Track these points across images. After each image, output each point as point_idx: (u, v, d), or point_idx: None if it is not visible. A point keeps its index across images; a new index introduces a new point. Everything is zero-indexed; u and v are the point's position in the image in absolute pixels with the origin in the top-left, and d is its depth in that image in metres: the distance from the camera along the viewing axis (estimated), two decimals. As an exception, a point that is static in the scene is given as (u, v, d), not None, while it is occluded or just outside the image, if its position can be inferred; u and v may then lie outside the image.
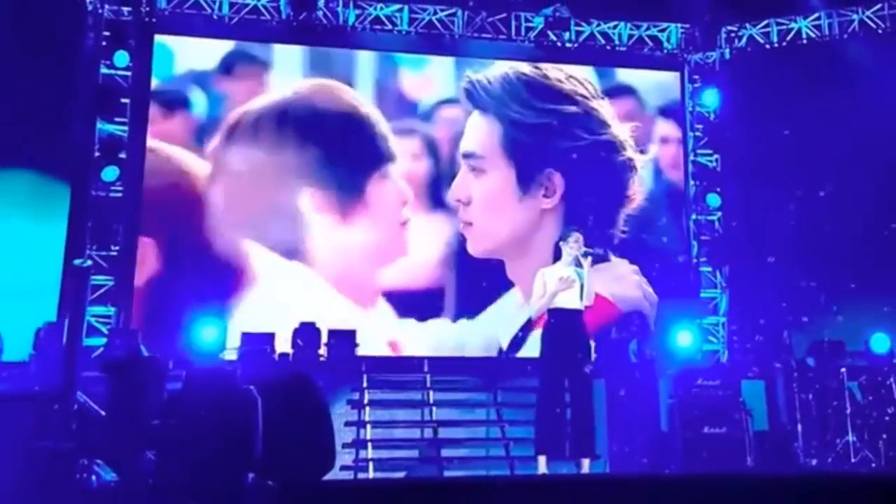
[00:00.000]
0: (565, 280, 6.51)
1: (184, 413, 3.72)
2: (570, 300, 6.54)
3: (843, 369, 8.42)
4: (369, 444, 8.91)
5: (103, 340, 10.50)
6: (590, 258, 6.63)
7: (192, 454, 3.54)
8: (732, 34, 12.51)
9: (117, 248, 10.81)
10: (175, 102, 11.30)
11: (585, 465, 6.24)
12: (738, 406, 7.84)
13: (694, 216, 12.24)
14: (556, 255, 6.83)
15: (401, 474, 8.89)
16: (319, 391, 4.26)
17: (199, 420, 3.64)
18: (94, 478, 3.74)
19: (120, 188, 10.86)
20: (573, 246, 6.67)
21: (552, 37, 12.22)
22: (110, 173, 10.79)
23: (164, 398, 3.95)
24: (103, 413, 4.20)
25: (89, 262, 4.02)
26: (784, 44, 12.28)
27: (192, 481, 3.45)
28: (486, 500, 4.25)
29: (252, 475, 3.63)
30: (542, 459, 6.30)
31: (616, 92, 12.30)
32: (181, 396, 3.86)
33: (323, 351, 9.95)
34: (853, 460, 7.91)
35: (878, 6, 11.86)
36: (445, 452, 9.16)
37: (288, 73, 11.62)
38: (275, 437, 3.75)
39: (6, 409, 3.82)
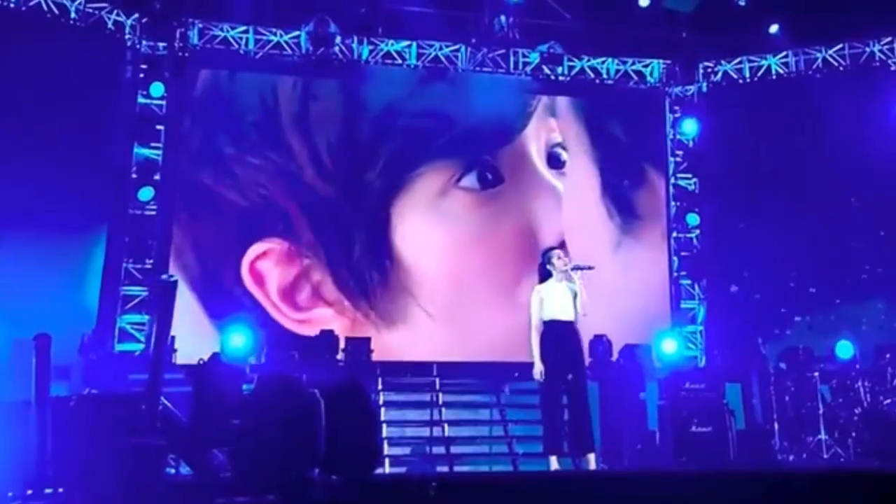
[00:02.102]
0: (559, 292, 6.56)
1: (257, 414, 3.82)
2: (564, 312, 6.59)
3: (816, 373, 8.53)
4: (385, 442, 8.97)
5: (139, 346, 10.64)
6: (579, 272, 6.61)
7: (265, 451, 3.64)
8: (709, 70, 12.69)
9: (151, 261, 10.93)
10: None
11: (591, 462, 6.31)
12: (722, 407, 7.93)
13: (675, 234, 12.39)
14: (542, 274, 6.79)
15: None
16: (370, 395, 4.36)
17: (270, 420, 3.74)
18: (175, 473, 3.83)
19: (154, 207, 10.97)
20: (558, 263, 6.65)
21: (546, 71, 12.38)
22: (146, 193, 10.90)
23: (240, 399, 4.02)
24: (177, 413, 4.28)
25: (175, 278, 4.06)
26: (755, 79, 12.46)
27: (265, 476, 3.56)
28: (512, 495, 4.35)
29: (317, 470, 3.73)
30: (552, 458, 6.37)
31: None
32: (254, 399, 3.95)
33: (340, 356, 10.01)
34: (825, 456, 8.00)
35: (840, 46, 12.07)
36: (454, 449, 9.24)
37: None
38: (335, 436, 3.85)
39: (99, 408, 3.90)
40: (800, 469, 7.62)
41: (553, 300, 6.50)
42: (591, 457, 6.32)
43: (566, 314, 6.49)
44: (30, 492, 3.72)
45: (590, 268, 6.54)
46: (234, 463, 3.69)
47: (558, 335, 6.45)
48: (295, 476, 3.56)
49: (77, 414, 3.84)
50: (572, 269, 6.53)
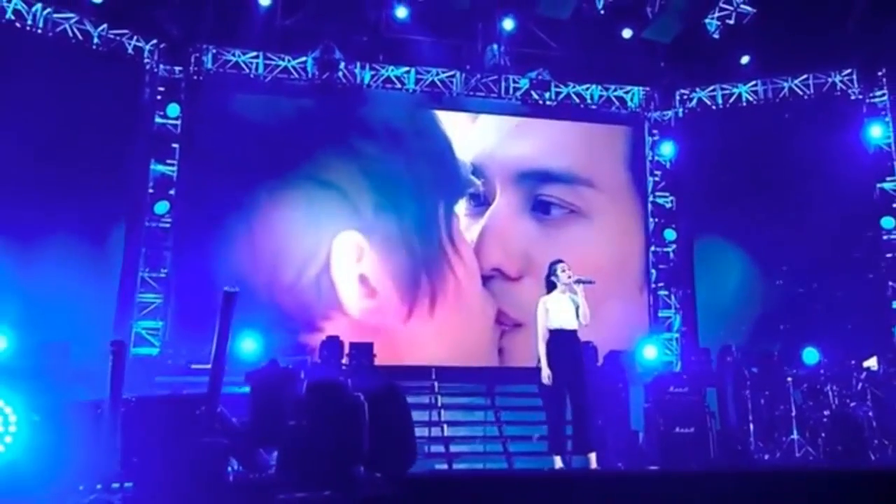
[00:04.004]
0: (563, 303, 6.69)
1: (308, 416, 3.91)
2: (568, 321, 6.69)
3: (790, 378, 8.69)
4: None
5: (154, 350, 10.67)
6: (581, 284, 6.73)
7: (317, 450, 3.73)
8: (685, 96, 12.90)
9: (166, 270, 10.98)
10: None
11: (593, 461, 6.41)
12: (703, 409, 8.07)
13: (653, 248, 12.58)
14: (547, 286, 6.89)
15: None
16: (406, 399, 4.47)
17: (320, 422, 3.83)
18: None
19: (169, 220, 11.02)
20: (562, 276, 6.76)
21: (535, 96, 12.56)
22: (161, 207, 10.96)
23: (294, 402, 4.11)
24: (228, 414, 4.34)
25: (237, 289, 4.14)
26: (728, 105, 12.69)
27: (316, 473, 3.64)
28: (513, 491, 4.45)
29: (362, 468, 3.82)
30: (556, 458, 6.49)
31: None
32: (305, 402, 4.04)
33: (345, 360, 10.06)
34: (797, 454, 8.12)
35: (804, 76, 12.35)
36: (452, 448, 9.32)
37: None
38: (376, 436, 3.95)
39: (162, 409, 3.97)
40: (776, 467, 7.77)
41: (557, 310, 6.60)
42: (593, 456, 6.39)
43: (570, 323, 6.58)
44: (99, 486, 3.80)
45: (591, 282, 6.66)
46: (287, 460, 3.78)
47: (562, 343, 6.53)
48: (343, 473, 3.67)
49: (141, 414, 3.91)
50: (575, 282, 6.63)
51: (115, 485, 3.77)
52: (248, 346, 9.69)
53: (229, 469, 3.86)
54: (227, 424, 4.04)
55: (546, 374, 6.44)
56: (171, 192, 11.06)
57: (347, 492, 3.52)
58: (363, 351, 10.11)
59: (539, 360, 6.52)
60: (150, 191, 10.99)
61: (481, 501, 3.97)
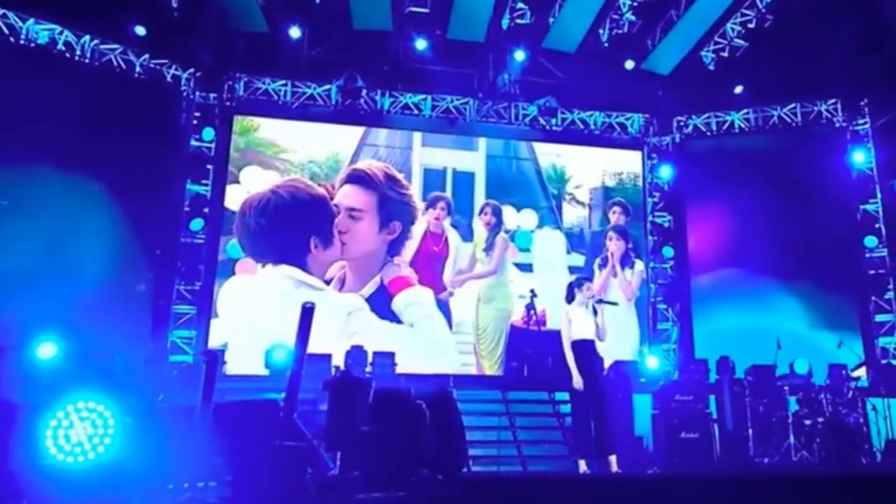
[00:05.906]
0: (583, 315, 6.92)
1: (377, 421, 4.09)
2: (586, 332, 6.91)
3: (786, 387, 8.86)
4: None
5: (188, 358, 10.83)
6: (603, 305, 6.98)
7: (387, 453, 3.91)
8: (682, 123, 13.18)
9: (200, 283, 11.14)
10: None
11: (613, 463, 6.59)
12: (707, 416, 8.26)
13: (652, 264, 12.80)
14: (569, 295, 7.13)
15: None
16: (456, 404, 4.66)
17: (388, 427, 4.01)
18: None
19: (203, 236, 11.21)
20: (585, 293, 7.01)
21: (542, 122, 12.83)
22: (196, 224, 11.16)
23: (367, 410, 4.28)
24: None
25: (314, 303, 4.32)
26: (721, 131, 12.97)
27: (387, 475, 3.82)
28: (533, 491, 4.62)
29: (425, 470, 4.00)
30: (581, 462, 6.68)
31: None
32: (374, 409, 4.23)
33: (369, 369, 10.22)
34: (794, 458, 8.29)
35: (793, 105, 12.63)
36: (470, 451, 9.41)
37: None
38: (436, 440, 4.13)
39: (249, 414, 4.14)
40: (776, 470, 7.95)
41: (578, 322, 6.86)
42: (613, 458, 6.59)
43: (588, 334, 6.85)
44: (186, 484, 3.97)
45: (613, 304, 6.92)
46: (357, 463, 3.95)
47: (583, 353, 6.77)
48: (408, 475, 3.85)
49: (227, 418, 4.08)
50: (596, 303, 6.90)
51: (201, 484, 3.93)
52: (279, 355, 9.83)
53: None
54: (298, 430, 4.22)
55: (577, 381, 6.64)
56: (206, 210, 11.25)
57: (417, 492, 3.70)
58: (385, 359, 10.29)
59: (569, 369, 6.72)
60: (186, 209, 11.18)
61: (525, 500, 4.18)
